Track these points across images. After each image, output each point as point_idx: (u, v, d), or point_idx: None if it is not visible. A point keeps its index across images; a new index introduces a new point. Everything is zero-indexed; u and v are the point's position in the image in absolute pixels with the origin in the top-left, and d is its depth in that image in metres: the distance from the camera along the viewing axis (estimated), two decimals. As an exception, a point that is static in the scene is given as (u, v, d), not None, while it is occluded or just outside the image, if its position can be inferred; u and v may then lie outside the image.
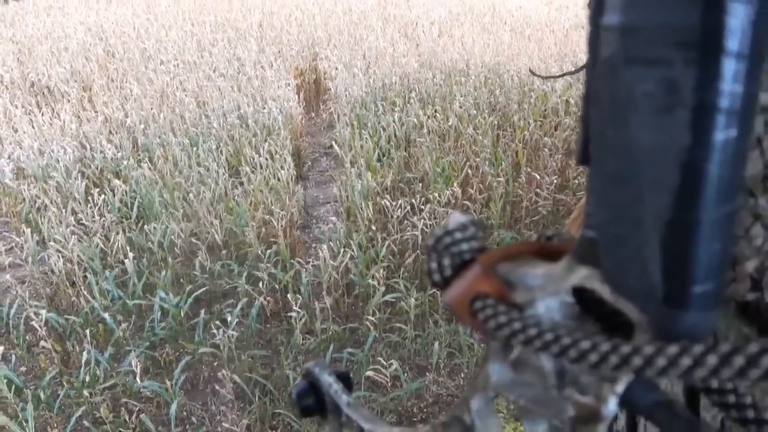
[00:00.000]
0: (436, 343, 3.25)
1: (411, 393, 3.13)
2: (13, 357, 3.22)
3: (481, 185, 4.53)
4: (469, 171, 4.64)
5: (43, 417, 2.90)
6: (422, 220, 4.01)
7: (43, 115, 5.49)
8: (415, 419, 3.03)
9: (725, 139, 0.27)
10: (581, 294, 0.36)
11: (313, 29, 8.65)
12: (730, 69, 0.26)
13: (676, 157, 0.27)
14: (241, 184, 4.50)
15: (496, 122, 5.46)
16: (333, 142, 5.48)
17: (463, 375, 3.30)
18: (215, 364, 3.32)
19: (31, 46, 7.80)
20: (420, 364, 3.37)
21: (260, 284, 3.57)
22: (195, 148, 4.88)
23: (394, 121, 5.37)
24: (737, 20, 0.25)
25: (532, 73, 2.73)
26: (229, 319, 3.24)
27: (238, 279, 3.61)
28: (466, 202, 4.39)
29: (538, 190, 4.52)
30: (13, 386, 2.91)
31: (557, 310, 0.36)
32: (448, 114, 5.55)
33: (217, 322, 3.30)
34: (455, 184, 4.44)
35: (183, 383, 3.08)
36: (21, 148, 4.85)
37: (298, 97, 6.18)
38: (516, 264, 0.39)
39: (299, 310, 3.31)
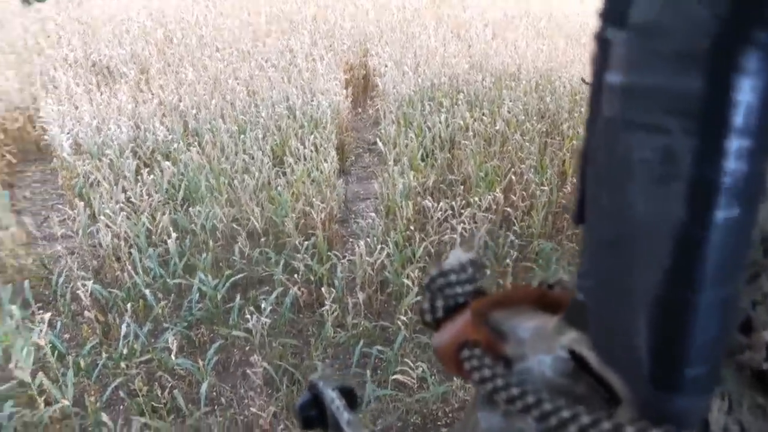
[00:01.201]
0: (466, 349, 3.22)
1: (437, 396, 3.11)
2: (59, 324, 3.37)
3: (524, 192, 4.46)
4: (513, 177, 4.58)
5: (81, 384, 3.03)
6: (462, 224, 3.98)
7: (102, 94, 5.70)
8: (439, 423, 3.02)
9: (726, 218, 0.25)
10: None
11: (366, 25, 8.68)
12: (734, 145, 0.24)
13: (671, 231, 0.25)
14: (285, 174, 4.57)
15: (544, 129, 5.37)
16: (377, 139, 5.49)
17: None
18: (247, 348, 3.39)
19: (96, 28, 8.10)
20: (448, 368, 3.34)
21: (296, 274, 3.62)
22: (242, 136, 4.98)
23: (440, 122, 5.34)
24: (744, 94, 0.23)
25: (584, 81, 2.66)
26: (263, 305, 3.30)
27: (275, 267, 3.67)
28: (508, 209, 4.33)
29: (583, 202, 4.42)
30: (57, 351, 3.05)
31: (549, 365, 0.34)
32: (495, 118, 5.49)
33: (252, 308, 3.36)
34: (498, 190, 4.38)
35: (215, 364, 3.16)
36: (80, 124, 5.04)
37: (346, 92, 6.22)
38: (510, 313, 0.38)
39: (332, 304, 3.34)
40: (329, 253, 3.87)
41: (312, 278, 3.72)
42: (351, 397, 0.51)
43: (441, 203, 4.23)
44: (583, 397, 0.32)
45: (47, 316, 3.12)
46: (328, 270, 3.76)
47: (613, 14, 0.27)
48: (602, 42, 0.29)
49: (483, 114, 5.56)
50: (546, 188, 4.39)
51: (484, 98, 5.97)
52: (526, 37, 8.29)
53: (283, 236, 4.06)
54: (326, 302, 3.34)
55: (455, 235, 3.92)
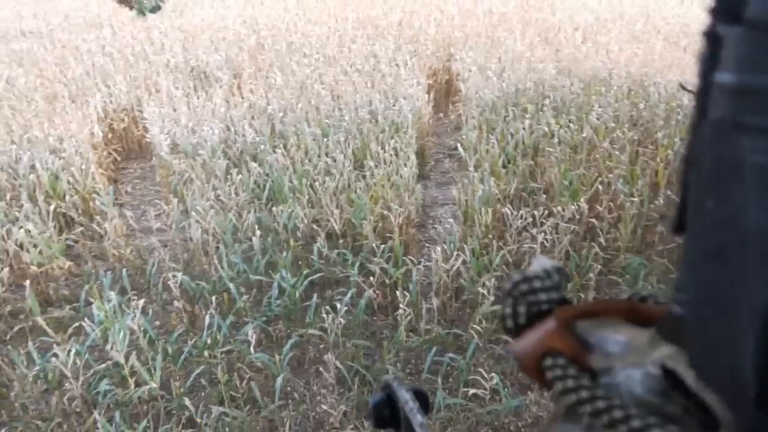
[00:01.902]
0: (543, 363, 3.11)
1: (510, 409, 3.03)
2: (150, 311, 3.61)
3: (611, 203, 4.25)
4: (600, 187, 4.37)
5: (168, 369, 3.22)
6: (542, 234, 3.85)
7: (198, 97, 6.05)
8: (510, 437, 2.94)
9: None
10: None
11: (451, 30, 8.64)
12: None
13: None
14: (364, 177, 4.63)
15: (636, 138, 5.09)
16: (458, 144, 5.45)
17: None
18: (321, 346, 3.46)
19: (195, 35, 8.64)
20: (522, 382, 3.24)
21: (371, 277, 3.65)
22: (325, 139, 5.11)
23: (523, 128, 5.21)
24: None
25: (683, 87, 2.50)
26: (338, 306, 3.35)
27: (352, 269, 3.73)
28: (593, 220, 4.15)
29: (676, 216, 4.14)
30: (148, 337, 3.26)
31: (639, 382, 0.32)
32: (582, 125, 5.28)
33: (328, 308, 3.43)
34: (582, 200, 4.21)
35: (290, 360, 3.25)
36: (177, 126, 5.39)
37: (428, 97, 6.22)
38: (597, 324, 0.36)
39: (406, 308, 3.34)
40: (405, 258, 3.88)
41: (387, 281, 3.74)
42: (424, 401, 0.52)
43: (521, 211, 4.12)
44: (675, 417, 0.30)
45: (141, 303, 3.35)
46: (403, 274, 3.76)
47: (726, 9, 0.25)
48: (712, 39, 0.26)
49: (570, 120, 5.36)
50: (636, 200, 4.15)
51: (572, 104, 5.76)
52: (619, 41, 7.92)
53: (360, 238, 4.12)
54: (400, 306, 3.34)
55: (535, 245, 3.81)
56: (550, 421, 0.37)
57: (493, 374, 2.99)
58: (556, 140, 5.01)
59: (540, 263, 0.39)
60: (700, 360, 0.29)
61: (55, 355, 3.04)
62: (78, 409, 3.02)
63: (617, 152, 4.78)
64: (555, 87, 6.16)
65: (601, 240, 3.97)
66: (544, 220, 4.06)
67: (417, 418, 0.48)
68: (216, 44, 8.07)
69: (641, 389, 0.32)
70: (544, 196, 4.52)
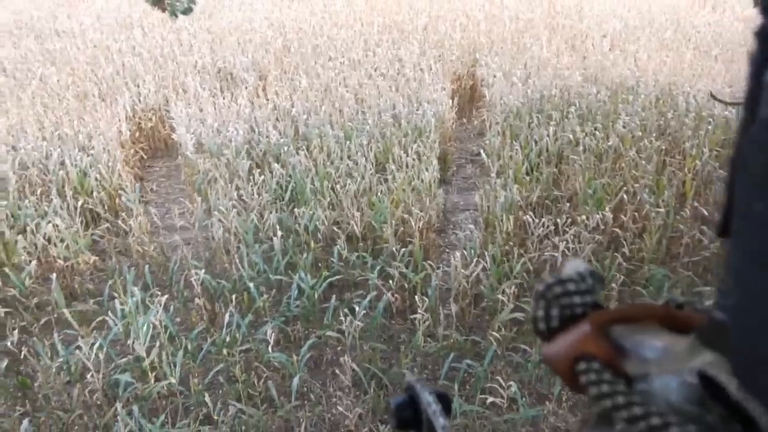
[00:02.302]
0: (562, 373, 3.07)
1: (527, 419, 2.99)
2: (172, 307, 3.65)
3: (636, 213, 4.18)
4: (625, 196, 4.31)
5: (187, 365, 3.25)
6: (564, 242, 3.81)
7: (224, 98, 6.13)
8: (527, 447, 2.90)
9: None
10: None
11: (477, 35, 8.61)
12: None
13: None
14: (386, 180, 4.64)
15: (663, 147, 5.01)
16: (481, 150, 5.42)
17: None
18: (338, 348, 3.47)
19: (223, 37, 8.75)
20: (540, 392, 3.21)
21: (390, 281, 3.65)
22: (348, 142, 5.13)
23: (548, 135, 5.17)
24: None
25: (713, 97, 2.45)
26: (357, 309, 3.36)
27: (371, 272, 3.73)
28: (617, 230, 4.08)
29: (704, 227, 4.06)
30: (169, 332, 3.30)
31: (675, 390, 0.32)
32: (608, 133, 5.21)
33: (346, 310, 3.43)
34: (607, 209, 4.15)
35: (307, 361, 3.26)
36: (203, 126, 5.46)
37: (452, 102, 6.21)
38: (633, 329, 0.35)
39: (424, 313, 3.33)
40: (425, 262, 3.87)
41: (406, 286, 3.73)
42: (446, 404, 0.51)
43: (544, 219, 4.08)
44: (713, 427, 0.29)
45: (163, 299, 3.40)
46: (422, 279, 3.75)
47: None
48: (764, 39, 0.26)
49: (595, 128, 5.30)
50: (662, 210, 4.08)
51: (598, 112, 5.69)
52: (648, 49, 7.80)
53: (380, 242, 4.12)
54: (419, 311, 3.33)
55: (557, 254, 3.77)
56: (580, 427, 0.37)
57: (512, 382, 2.96)
58: (581, 148, 4.95)
59: (573, 266, 0.39)
60: (744, 368, 0.28)
61: (79, 347, 3.10)
62: (99, 402, 3.07)
63: (643, 161, 4.71)
64: (581, 94, 6.09)
65: (625, 250, 3.90)
66: (566, 229, 4.02)
67: (440, 420, 0.49)
68: (243, 46, 8.17)
69: (677, 397, 0.32)
70: (568, 204, 4.47)
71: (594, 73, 6.77)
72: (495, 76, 6.61)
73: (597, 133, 5.20)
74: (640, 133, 5.17)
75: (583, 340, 0.35)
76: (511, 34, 8.72)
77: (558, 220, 4.08)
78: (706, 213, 4.19)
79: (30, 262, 3.87)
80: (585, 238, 3.90)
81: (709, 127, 5.23)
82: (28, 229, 4.11)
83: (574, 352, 0.35)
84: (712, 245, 3.97)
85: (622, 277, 3.66)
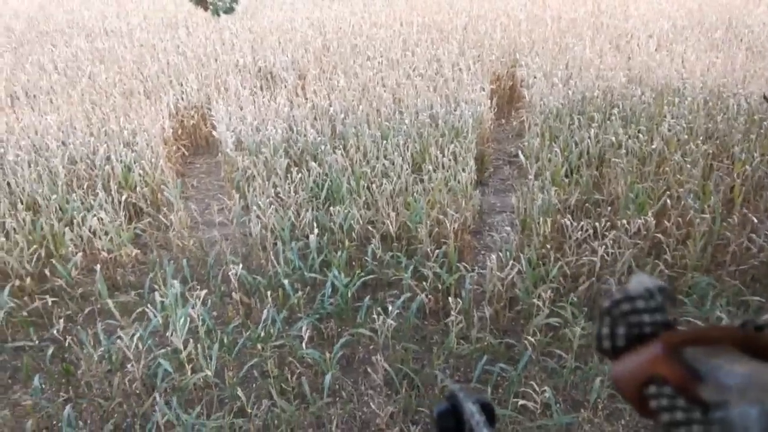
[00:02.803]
0: (598, 380, 3.00)
1: (561, 426, 2.93)
2: (209, 302, 3.73)
3: (680, 219, 4.05)
4: (669, 201, 4.18)
5: (223, 358, 3.32)
6: (604, 247, 3.72)
7: (263, 97, 6.23)
8: (560, 455, 2.84)
9: None
10: None
11: (517, 35, 8.50)
12: None
13: None
14: (422, 181, 4.62)
15: (710, 151, 4.83)
16: (519, 152, 5.34)
17: (623, 422, 3.00)
18: (371, 347, 3.48)
19: (264, 36, 8.89)
20: (575, 398, 3.14)
21: (424, 281, 3.64)
22: (384, 142, 5.14)
23: (589, 137, 5.05)
24: None
25: (767, 99, 2.34)
26: (390, 308, 3.36)
27: (405, 272, 3.72)
28: (659, 235, 3.96)
29: (753, 235, 3.90)
30: (206, 326, 3.37)
31: (756, 420, 0.30)
32: (653, 136, 5.06)
33: (379, 309, 3.43)
34: (649, 213, 4.03)
35: (340, 358, 3.28)
36: (243, 124, 5.56)
37: (491, 103, 6.14)
38: (708, 353, 0.33)
39: (458, 315, 3.30)
40: (459, 264, 3.83)
41: (440, 287, 3.71)
42: (490, 414, 0.50)
43: (582, 223, 3.99)
44: None
45: (201, 293, 3.48)
46: (456, 280, 3.73)
47: None
48: None
49: (639, 131, 5.16)
50: (707, 216, 3.94)
51: (642, 114, 5.54)
52: (697, 50, 7.54)
53: (415, 242, 4.11)
54: (452, 312, 3.31)
55: (595, 258, 3.68)
56: None
57: (546, 388, 2.90)
58: (623, 151, 4.83)
59: (640, 281, 0.37)
60: None
61: (120, 337, 3.20)
62: (138, 391, 3.16)
63: (689, 165, 4.55)
64: (625, 96, 5.93)
65: (667, 257, 3.78)
66: (606, 233, 3.92)
67: (483, 431, 0.47)
68: (283, 46, 8.28)
69: (759, 428, 0.30)
70: (608, 208, 4.36)
71: (639, 74, 6.59)
72: (535, 77, 6.51)
73: (640, 135, 5.06)
74: (686, 136, 5.00)
75: (653, 361, 0.34)
76: (553, 34, 8.57)
77: (597, 224, 3.99)
78: (755, 220, 4.02)
79: (76, 253, 4.02)
80: (625, 243, 3.79)
81: (761, 131, 5.02)
82: (74, 221, 4.27)
83: (644, 374, 0.34)
84: (762, 254, 3.80)
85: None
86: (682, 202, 4.19)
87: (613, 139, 5.03)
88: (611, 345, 0.36)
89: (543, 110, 5.73)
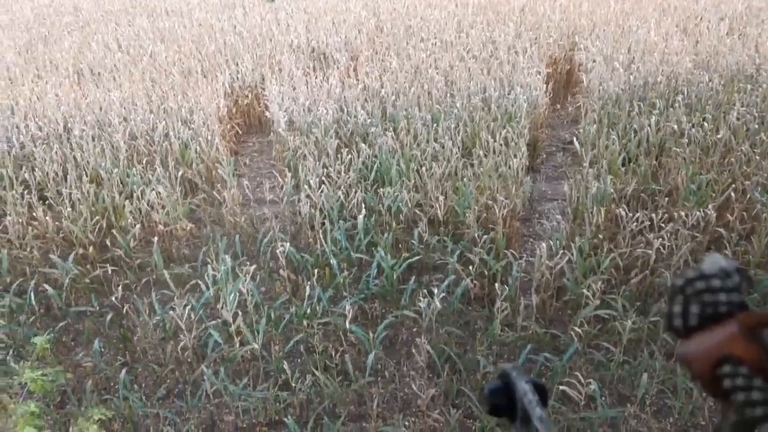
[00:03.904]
0: (646, 375, 2.91)
1: (605, 419, 2.87)
2: (258, 277, 3.83)
3: (744, 213, 3.85)
4: (732, 194, 3.97)
5: (269, 333, 3.41)
6: (660, 239, 3.58)
7: (316, 77, 6.27)
8: (604, 448, 2.79)
9: None
10: None
11: (577, 17, 8.19)
12: None
13: None
14: (472, 165, 4.56)
15: (782, 142, 4.54)
16: (574, 138, 5.18)
17: (672, 420, 2.91)
18: (414, 329, 3.49)
19: (318, 17, 8.92)
20: (622, 393, 3.06)
21: (470, 266, 3.61)
22: (435, 125, 5.09)
23: (649, 125, 4.84)
24: None
25: None
26: (435, 291, 3.35)
27: (451, 257, 3.70)
28: (720, 229, 3.78)
29: (824, 233, 3.66)
30: (254, 301, 3.47)
31: None
32: (719, 125, 4.80)
33: (424, 292, 3.44)
34: (710, 206, 3.84)
35: (383, 339, 3.31)
36: (295, 104, 5.62)
37: (546, 87, 5.96)
38: None
39: (503, 302, 3.26)
40: (507, 251, 3.78)
41: (486, 273, 3.67)
42: (543, 394, 0.51)
43: (638, 214, 3.85)
44: None
45: (251, 268, 3.57)
46: (503, 267, 3.68)
47: None
48: None
49: (704, 119, 4.90)
50: (775, 211, 3.72)
51: (708, 101, 5.26)
52: (773, 34, 7.07)
53: (462, 227, 4.08)
54: (497, 299, 3.27)
55: (650, 251, 3.55)
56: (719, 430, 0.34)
57: (591, 380, 2.84)
58: (686, 140, 4.61)
59: (715, 261, 0.36)
60: None
61: (173, 308, 3.34)
62: (189, 359, 3.30)
63: (758, 157, 4.30)
64: (690, 82, 5.64)
65: (728, 252, 3.61)
66: (663, 225, 3.77)
67: (536, 411, 0.47)
68: (337, 26, 8.28)
69: None
70: (666, 199, 4.18)
71: (707, 59, 6.24)
72: (595, 61, 6.27)
73: (706, 124, 4.81)
74: (757, 126, 4.72)
75: (729, 341, 0.33)
76: (616, 15, 8.22)
77: (654, 215, 3.84)
78: (829, 217, 3.77)
79: (135, 225, 4.19)
80: (683, 236, 3.64)
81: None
82: (134, 195, 4.45)
83: (718, 353, 0.33)
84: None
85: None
86: (748, 196, 3.97)
87: (676, 127, 4.80)
88: (683, 323, 0.35)
89: (601, 96, 5.52)
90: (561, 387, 2.84)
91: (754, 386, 0.30)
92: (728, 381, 0.31)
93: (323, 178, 4.50)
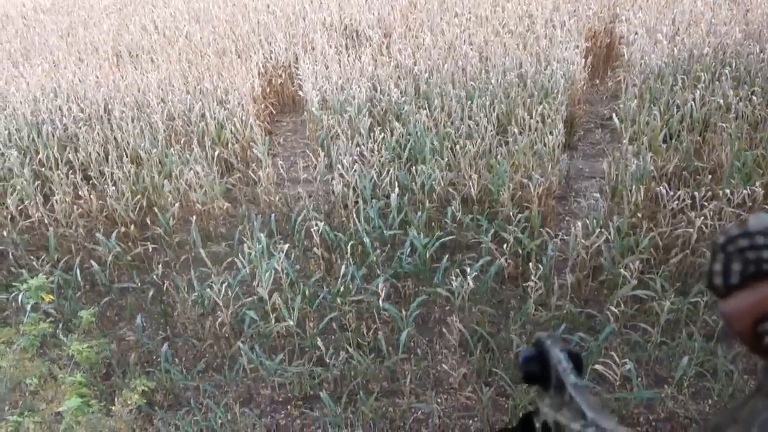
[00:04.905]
0: (686, 358, 2.85)
1: (641, 400, 2.84)
2: (293, 255, 3.89)
3: (794, 191, 3.68)
4: (782, 171, 3.80)
5: (304, 310, 3.47)
6: (702, 218, 3.47)
7: (348, 56, 6.24)
8: (639, 429, 2.76)
9: None
10: None
11: (619, -12, 7.88)
12: None
13: None
14: (507, 143, 4.49)
15: (837, 116, 4.31)
16: (614, 114, 5.03)
17: (710, 402, 2.85)
18: (447, 308, 3.50)
19: (351, -6, 8.83)
20: (659, 374, 3.01)
21: (504, 245, 3.57)
22: (469, 102, 5.01)
23: (693, 100, 4.66)
24: None
25: None
26: (468, 270, 3.34)
27: (485, 235, 3.67)
28: (767, 206, 3.63)
29: None
30: (289, 278, 3.53)
31: None
32: (768, 98, 4.58)
33: (457, 270, 3.43)
34: (757, 183, 3.69)
35: (416, 317, 3.33)
36: (328, 83, 5.62)
37: (585, 62, 5.79)
38: None
39: (537, 281, 3.23)
40: (542, 229, 3.73)
41: (520, 252, 3.64)
42: (577, 362, 0.50)
43: (680, 192, 3.73)
44: None
45: (285, 247, 3.63)
46: (538, 246, 3.63)
47: None
48: None
49: (752, 93, 4.68)
50: (827, 189, 3.55)
51: (758, 74, 5.01)
52: (831, 0, 6.66)
53: (496, 205, 4.04)
54: (532, 278, 3.24)
55: (692, 230, 3.44)
56: (752, 393, 0.34)
57: (627, 361, 2.80)
58: (732, 115, 4.42)
59: (761, 220, 0.36)
60: None
61: (211, 285, 3.43)
62: (227, 335, 3.39)
63: (810, 132, 4.10)
64: (739, 54, 5.38)
65: (776, 232, 3.47)
66: (705, 204, 3.64)
67: (571, 378, 0.47)
68: (370, 3, 8.19)
69: None
70: (709, 177, 4.04)
71: (758, 29, 5.93)
72: (636, 33, 6.04)
73: (754, 98, 4.59)
74: (810, 99, 4.49)
75: None
76: (659, -15, 7.86)
77: (696, 193, 3.71)
78: None
79: (174, 204, 4.30)
80: (727, 214, 3.52)
81: None
82: (173, 174, 4.55)
83: (759, 309, 0.32)
84: None
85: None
86: (799, 173, 3.80)
87: (722, 101, 4.60)
88: (723, 282, 0.35)
89: (643, 70, 5.33)
90: (596, 366, 2.81)
91: None
92: None
93: (356, 157, 4.51)
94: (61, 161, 4.79)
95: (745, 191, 3.61)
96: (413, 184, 4.21)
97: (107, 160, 4.75)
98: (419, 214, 3.92)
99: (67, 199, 4.38)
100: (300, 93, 5.97)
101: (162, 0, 9.88)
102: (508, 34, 6.35)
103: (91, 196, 4.35)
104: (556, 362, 0.50)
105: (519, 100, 4.97)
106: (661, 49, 5.53)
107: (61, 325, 3.44)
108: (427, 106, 5.08)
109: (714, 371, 2.89)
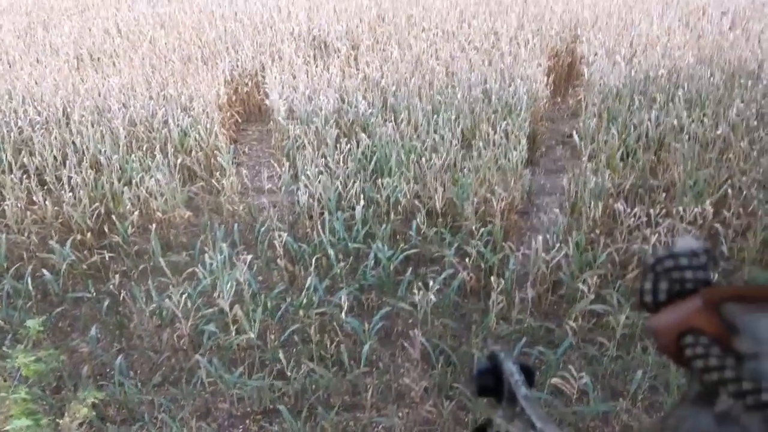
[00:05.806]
0: (640, 371, 2.93)
1: (597, 414, 2.90)
2: (255, 266, 3.84)
3: (741, 209, 3.85)
4: (730, 191, 3.98)
5: (265, 322, 3.42)
6: (656, 235, 3.59)
7: (316, 66, 6.24)
8: (595, 442, 2.82)
9: None
10: None
11: (580, 9, 8.16)
12: None
13: None
14: (471, 158, 4.56)
15: (781, 140, 4.54)
16: (574, 132, 5.18)
17: (662, 415, 2.93)
18: (410, 321, 3.51)
19: (320, 4, 8.86)
20: (614, 387, 3.09)
21: (467, 259, 3.62)
22: (435, 116, 5.08)
23: (649, 120, 4.84)
24: None
25: None
26: (431, 283, 3.37)
27: (448, 249, 3.71)
28: (717, 225, 3.79)
29: (821, 232, 3.67)
30: (251, 290, 3.48)
31: None
32: (719, 121, 4.80)
33: (420, 284, 3.45)
34: (708, 202, 3.85)
35: (378, 330, 3.33)
36: (295, 93, 5.60)
37: (547, 80, 5.95)
38: (746, 309, 0.35)
39: (499, 295, 3.28)
40: (504, 243, 3.79)
41: (483, 266, 3.69)
42: (529, 375, 0.52)
43: (636, 209, 3.86)
44: None
45: (248, 258, 3.58)
46: (500, 260, 3.69)
47: None
48: None
49: (704, 115, 4.90)
50: (772, 209, 3.73)
51: (709, 97, 5.25)
52: (776, 29, 7.04)
53: (460, 219, 4.09)
54: (493, 292, 3.29)
55: (647, 246, 3.56)
56: (678, 403, 0.37)
57: (584, 374, 2.86)
58: (685, 135, 4.61)
59: (686, 243, 0.39)
60: None
61: (170, 296, 3.35)
62: (185, 347, 3.32)
63: (755, 154, 4.30)
64: (692, 77, 5.63)
65: (724, 248, 3.62)
66: (660, 221, 3.78)
67: (522, 390, 0.49)
68: (338, 15, 8.23)
69: None
70: (664, 194, 4.19)
71: (709, 54, 6.22)
72: (596, 54, 6.25)
73: (705, 120, 4.80)
74: (756, 123, 4.72)
75: (692, 314, 0.35)
76: (619, 8, 8.18)
77: (651, 210, 3.85)
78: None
79: (133, 212, 4.20)
80: (680, 231, 3.65)
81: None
82: (133, 181, 4.45)
83: (681, 325, 0.36)
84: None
85: (718, 277, 3.41)
86: (744, 192, 3.98)
87: (675, 122, 4.80)
88: (653, 299, 0.38)
89: (602, 89, 5.51)
90: (554, 380, 2.86)
91: (712, 354, 0.32)
92: (689, 350, 0.34)
93: (322, 168, 4.50)
94: (15, 165, 4.62)
95: (696, 209, 3.76)
96: (378, 196, 4.23)
97: (65, 165, 4.60)
98: (384, 226, 3.94)
99: (19, 205, 4.22)
100: (266, 102, 5.93)
101: (126, 4, 9.71)
102: (474, 51, 6.48)
103: (46, 202, 4.20)
104: (509, 375, 0.51)
105: (484, 115, 5.06)
106: (619, 71, 5.74)
107: (9, 336, 3.30)
108: (393, 118, 5.12)
109: (667, 384, 2.98)
